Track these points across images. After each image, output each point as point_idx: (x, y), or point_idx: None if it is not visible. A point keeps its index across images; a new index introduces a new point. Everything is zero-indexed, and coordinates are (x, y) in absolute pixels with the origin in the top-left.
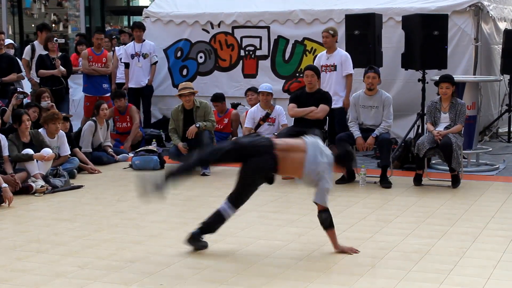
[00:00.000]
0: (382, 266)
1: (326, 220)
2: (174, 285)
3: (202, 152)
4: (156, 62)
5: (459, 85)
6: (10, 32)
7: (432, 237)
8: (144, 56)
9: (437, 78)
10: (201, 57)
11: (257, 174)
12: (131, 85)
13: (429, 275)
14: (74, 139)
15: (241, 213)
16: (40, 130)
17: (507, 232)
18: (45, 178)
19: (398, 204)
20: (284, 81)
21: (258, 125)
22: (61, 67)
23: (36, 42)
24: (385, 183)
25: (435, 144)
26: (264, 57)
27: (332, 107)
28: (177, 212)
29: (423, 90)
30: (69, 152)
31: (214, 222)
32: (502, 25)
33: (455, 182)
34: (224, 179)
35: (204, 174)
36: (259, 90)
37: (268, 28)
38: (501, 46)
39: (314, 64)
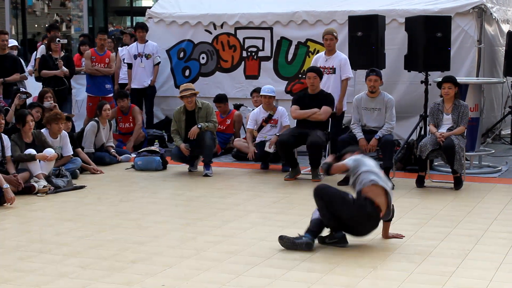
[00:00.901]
0: (384, 267)
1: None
2: (176, 286)
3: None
4: (159, 62)
5: (462, 87)
6: (13, 32)
7: (434, 239)
8: (147, 56)
9: (440, 79)
10: (203, 58)
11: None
12: (133, 85)
13: (431, 277)
14: (76, 139)
15: (244, 214)
16: (43, 130)
17: (510, 234)
18: (47, 178)
19: (400, 205)
20: (286, 82)
21: (261, 127)
22: (63, 67)
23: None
24: None
25: (438, 146)
26: (266, 58)
27: None
28: (180, 212)
29: (426, 91)
30: (72, 152)
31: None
32: (506, 27)
33: (458, 184)
34: (226, 180)
35: (206, 175)
36: (260, 93)
37: (271, 29)
38: (504, 48)
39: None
